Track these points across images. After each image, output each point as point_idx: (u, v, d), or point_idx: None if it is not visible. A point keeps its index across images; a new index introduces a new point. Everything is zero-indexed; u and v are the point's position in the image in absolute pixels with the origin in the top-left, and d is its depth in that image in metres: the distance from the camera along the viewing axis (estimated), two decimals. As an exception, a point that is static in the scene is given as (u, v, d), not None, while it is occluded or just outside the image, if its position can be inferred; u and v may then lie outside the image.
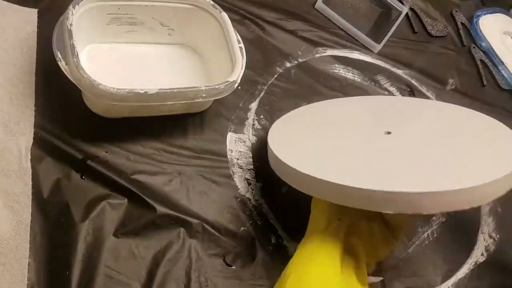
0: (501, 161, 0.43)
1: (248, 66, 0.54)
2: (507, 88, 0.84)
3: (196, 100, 0.50)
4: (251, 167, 0.56)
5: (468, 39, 0.88)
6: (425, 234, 0.60)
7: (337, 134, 0.55)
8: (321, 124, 0.58)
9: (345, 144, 0.52)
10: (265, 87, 0.64)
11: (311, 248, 0.44)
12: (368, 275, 0.46)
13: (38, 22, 0.55)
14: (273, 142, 0.53)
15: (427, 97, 0.75)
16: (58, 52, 0.46)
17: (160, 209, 0.49)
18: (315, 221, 0.48)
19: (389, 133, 0.52)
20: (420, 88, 0.76)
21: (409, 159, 0.47)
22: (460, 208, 0.40)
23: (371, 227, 0.47)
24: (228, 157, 0.56)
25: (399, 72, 0.76)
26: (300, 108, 0.62)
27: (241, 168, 0.56)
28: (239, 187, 0.54)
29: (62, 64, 0.46)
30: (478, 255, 0.61)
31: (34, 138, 0.48)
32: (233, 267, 0.49)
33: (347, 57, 0.73)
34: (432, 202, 0.39)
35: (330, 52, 0.72)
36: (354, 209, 0.43)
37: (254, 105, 0.61)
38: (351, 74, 0.72)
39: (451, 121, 0.56)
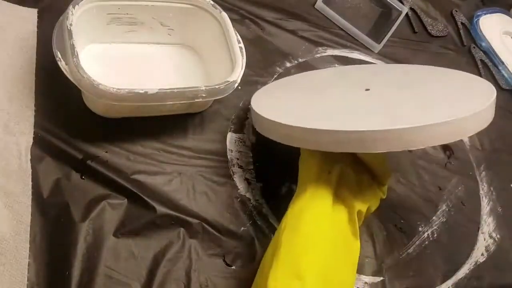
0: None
1: (248, 66, 0.54)
2: (507, 88, 0.84)
3: (196, 100, 0.50)
4: (251, 167, 0.56)
5: (468, 39, 0.88)
6: (425, 234, 0.60)
7: (320, 93, 0.57)
8: (304, 88, 0.60)
9: (328, 99, 0.54)
10: (265, 87, 0.64)
11: (303, 201, 0.46)
12: (360, 226, 0.47)
13: (38, 22, 0.55)
14: (257, 106, 0.53)
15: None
16: (58, 52, 0.46)
17: (160, 209, 0.49)
18: (304, 176, 0.49)
19: (368, 89, 0.54)
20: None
21: (390, 104, 0.49)
22: (444, 141, 0.43)
23: (359, 177, 0.48)
24: (228, 157, 0.56)
25: (399, 72, 0.76)
26: (282, 79, 0.65)
27: (241, 168, 0.56)
28: (239, 187, 0.54)
29: (62, 64, 0.46)
30: (478, 255, 0.61)
31: (34, 138, 0.48)
32: (233, 267, 0.49)
33: (347, 57, 0.73)
34: (421, 136, 0.42)
35: (330, 52, 0.72)
36: (342, 161, 0.47)
37: (254, 105, 0.61)
38: (351, 74, 0.72)
39: (424, 74, 0.59)
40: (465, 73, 0.56)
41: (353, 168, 0.48)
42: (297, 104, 0.54)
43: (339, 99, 0.54)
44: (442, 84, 0.54)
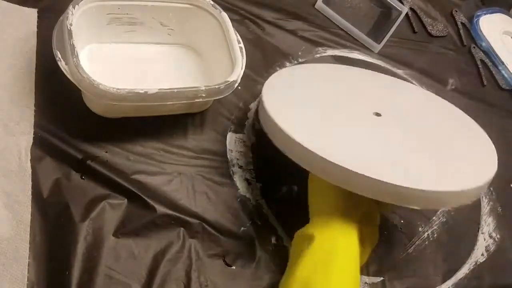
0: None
1: (248, 66, 0.54)
2: (507, 88, 0.84)
3: (196, 100, 0.50)
4: (251, 167, 0.56)
5: (468, 39, 0.88)
6: (425, 234, 0.60)
7: (334, 108, 0.55)
8: (316, 91, 0.58)
9: (342, 119, 0.53)
10: (265, 87, 0.64)
11: (332, 239, 0.43)
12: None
13: (38, 22, 0.55)
14: (270, 105, 0.51)
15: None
16: (58, 52, 0.46)
17: (160, 209, 0.49)
18: (325, 207, 0.46)
19: (378, 114, 0.54)
20: (420, 88, 0.76)
21: (413, 154, 0.49)
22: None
23: (379, 217, 0.48)
24: (228, 157, 0.56)
25: (399, 72, 0.76)
26: (295, 66, 0.64)
27: (241, 168, 0.56)
28: (239, 187, 0.54)
29: (62, 64, 0.46)
30: (478, 255, 0.61)
31: (34, 138, 0.48)
32: (233, 267, 0.49)
33: (347, 57, 0.73)
34: (454, 199, 0.45)
35: (330, 52, 0.72)
36: (366, 199, 0.44)
37: (254, 105, 0.61)
38: (351, 74, 0.72)
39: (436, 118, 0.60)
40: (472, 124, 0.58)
41: (376, 204, 0.47)
42: (314, 119, 0.52)
43: (354, 123, 0.52)
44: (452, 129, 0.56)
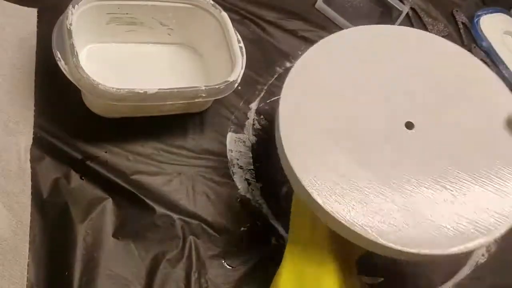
0: None
1: (248, 66, 0.54)
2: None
3: (196, 100, 0.50)
4: (251, 167, 0.56)
5: (469, 39, 0.88)
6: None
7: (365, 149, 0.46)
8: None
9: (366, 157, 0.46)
10: (265, 87, 0.64)
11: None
12: None
13: (38, 22, 0.55)
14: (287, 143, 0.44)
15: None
16: (58, 52, 0.46)
17: (160, 209, 0.49)
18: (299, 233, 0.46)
19: (411, 128, 0.47)
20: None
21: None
22: None
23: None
24: (228, 157, 0.56)
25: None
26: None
27: (241, 168, 0.56)
28: (239, 187, 0.54)
29: (61, 64, 0.46)
30: (478, 255, 0.61)
31: (33, 138, 0.48)
32: (233, 268, 0.49)
33: (348, 57, 0.73)
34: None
35: (331, 52, 0.72)
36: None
37: (254, 105, 0.61)
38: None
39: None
40: None
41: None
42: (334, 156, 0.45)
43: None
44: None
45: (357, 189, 0.43)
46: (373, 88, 0.50)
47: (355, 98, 0.49)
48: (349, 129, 0.47)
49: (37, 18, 0.56)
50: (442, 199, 0.44)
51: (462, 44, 0.86)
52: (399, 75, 0.52)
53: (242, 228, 0.52)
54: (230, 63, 0.53)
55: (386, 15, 0.76)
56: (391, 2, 0.74)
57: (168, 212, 0.49)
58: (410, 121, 0.48)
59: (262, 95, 0.63)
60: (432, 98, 0.51)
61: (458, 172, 0.46)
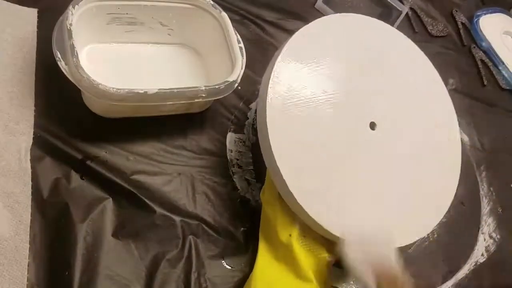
0: None
1: (248, 66, 0.54)
2: (507, 87, 0.84)
3: (196, 100, 0.50)
4: (251, 167, 0.56)
5: (469, 39, 0.88)
6: (425, 234, 0.60)
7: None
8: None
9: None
10: (265, 87, 0.63)
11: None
12: None
13: (38, 22, 0.55)
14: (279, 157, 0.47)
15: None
16: (58, 52, 0.46)
17: (160, 209, 0.49)
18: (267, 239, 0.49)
19: (373, 128, 0.52)
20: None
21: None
22: None
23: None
24: (228, 157, 0.56)
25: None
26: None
27: (241, 168, 0.56)
28: (239, 187, 0.54)
29: (61, 64, 0.46)
30: (478, 255, 0.61)
31: (33, 138, 0.48)
32: (233, 268, 0.49)
33: (347, 57, 0.73)
34: None
35: (330, 52, 0.72)
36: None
37: (254, 105, 0.61)
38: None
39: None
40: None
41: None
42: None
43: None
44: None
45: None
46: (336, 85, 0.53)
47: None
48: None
49: (37, 18, 0.56)
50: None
51: (462, 44, 0.86)
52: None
53: (242, 229, 0.52)
54: (230, 63, 0.54)
55: (386, 15, 0.76)
56: (390, 2, 0.75)
57: (168, 212, 0.49)
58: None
59: (262, 95, 0.63)
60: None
61: None
